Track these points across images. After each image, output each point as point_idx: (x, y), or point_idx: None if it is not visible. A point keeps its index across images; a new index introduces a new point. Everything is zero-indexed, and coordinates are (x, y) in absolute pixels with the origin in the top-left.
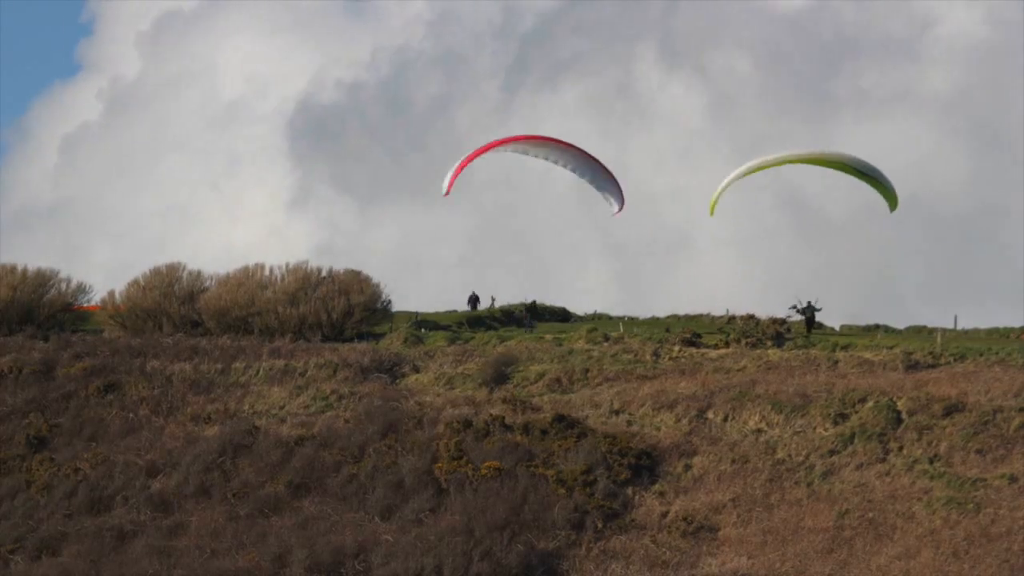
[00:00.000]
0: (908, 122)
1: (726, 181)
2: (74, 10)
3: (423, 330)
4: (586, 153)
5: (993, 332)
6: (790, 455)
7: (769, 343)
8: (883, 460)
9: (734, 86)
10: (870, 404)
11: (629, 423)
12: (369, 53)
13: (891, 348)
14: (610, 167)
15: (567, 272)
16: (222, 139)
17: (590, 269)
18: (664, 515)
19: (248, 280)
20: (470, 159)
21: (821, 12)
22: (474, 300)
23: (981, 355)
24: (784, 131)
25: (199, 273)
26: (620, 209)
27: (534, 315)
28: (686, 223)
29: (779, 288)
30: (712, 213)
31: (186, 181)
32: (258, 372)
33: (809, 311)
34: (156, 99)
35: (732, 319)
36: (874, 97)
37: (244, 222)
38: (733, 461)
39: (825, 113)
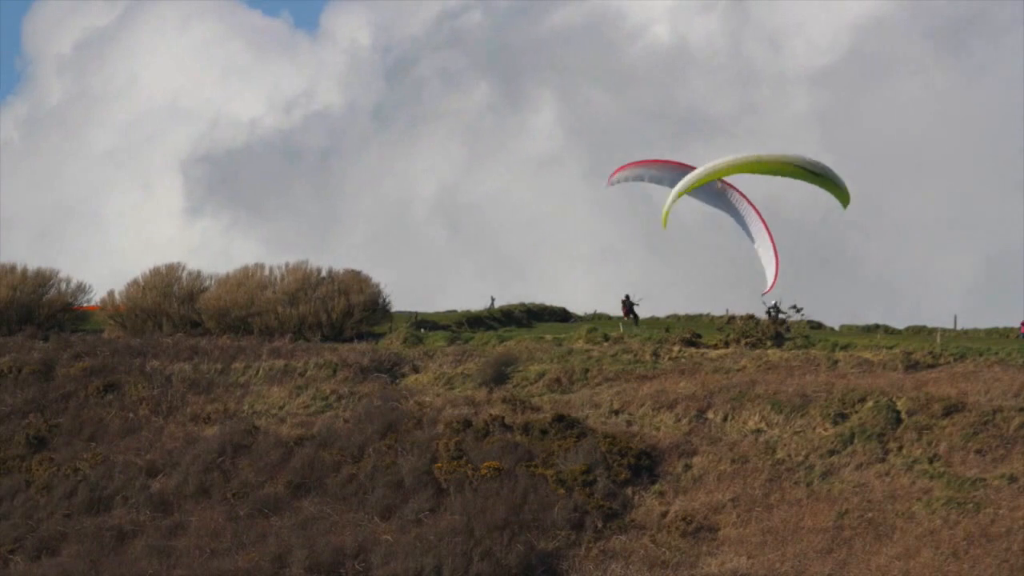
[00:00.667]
0: (760, 142)
1: (675, 192)
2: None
3: (423, 330)
4: (764, 222)
5: (993, 332)
6: (790, 455)
7: (769, 343)
8: (883, 460)
9: (591, 111)
10: (870, 404)
11: (629, 423)
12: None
13: (891, 348)
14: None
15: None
16: (124, 164)
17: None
18: (664, 515)
19: (248, 280)
20: (644, 163)
21: (681, 37)
22: (629, 305)
23: (981, 355)
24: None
25: (199, 273)
26: (771, 287)
27: (630, 309)
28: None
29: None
30: (665, 226)
31: (84, 203)
32: (258, 372)
33: (774, 311)
34: (68, 122)
35: (732, 319)
36: (724, 119)
37: (135, 249)
38: (733, 461)
39: (679, 134)
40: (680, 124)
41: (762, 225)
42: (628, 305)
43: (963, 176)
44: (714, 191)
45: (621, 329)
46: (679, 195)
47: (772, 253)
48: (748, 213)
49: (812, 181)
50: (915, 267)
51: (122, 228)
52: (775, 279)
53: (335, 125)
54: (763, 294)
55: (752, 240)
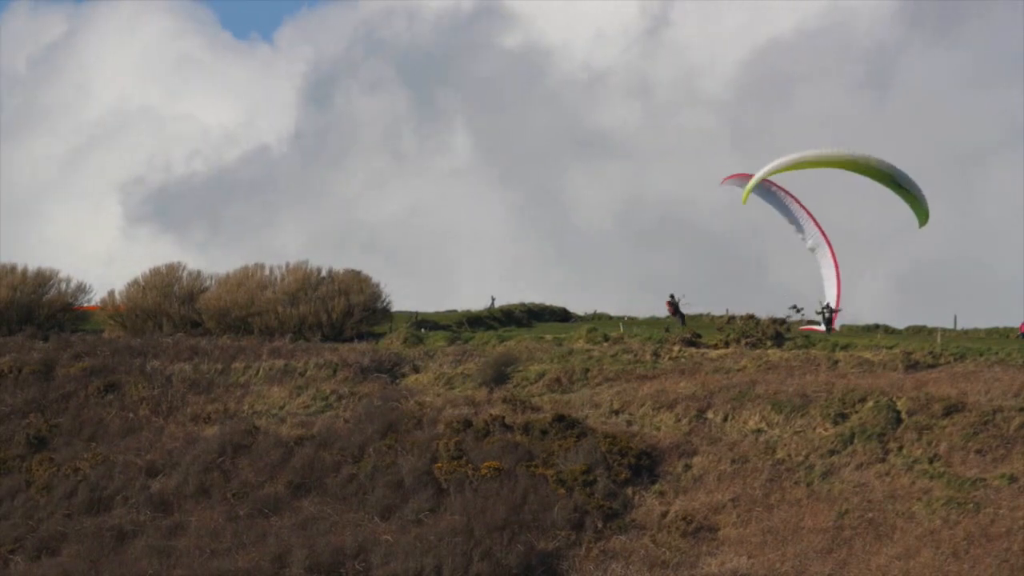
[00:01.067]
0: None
1: (761, 174)
2: None
3: (423, 330)
4: (827, 239)
5: (993, 332)
6: (790, 455)
7: (769, 343)
8: (883, 460)
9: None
10: (870, 404)
11: (629, 423)
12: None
13: (891, 348)
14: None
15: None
16: (67, 180)
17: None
18: (664, 515)
19: (248, 280)
20: (752, 177)
21: (597, 63)
22: (675, 305)
23: (981, 355)
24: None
25: (199, 273)
26: (835, 315)
27: (676, 309)
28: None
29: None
30: (744, 201)
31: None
32: (258, 372)
33: (827, 312)
34: (17, 137)
35: (732, 319)
36: (618, 136)
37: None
38: (733, 461)
39: (579, 151)
40: (588, 143)
41: (824, 241)
42: (674, 305)
43: (871, 193)
44: (769, 192)
45: (621, 329)
46: (765, 176)
47: (834, 270)
48: (808, 225)
49: (897, 192)
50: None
51: (58, 245)
52: (839, 300)
53: (264, 154)
54: (820, 313)
55: (806, 242)
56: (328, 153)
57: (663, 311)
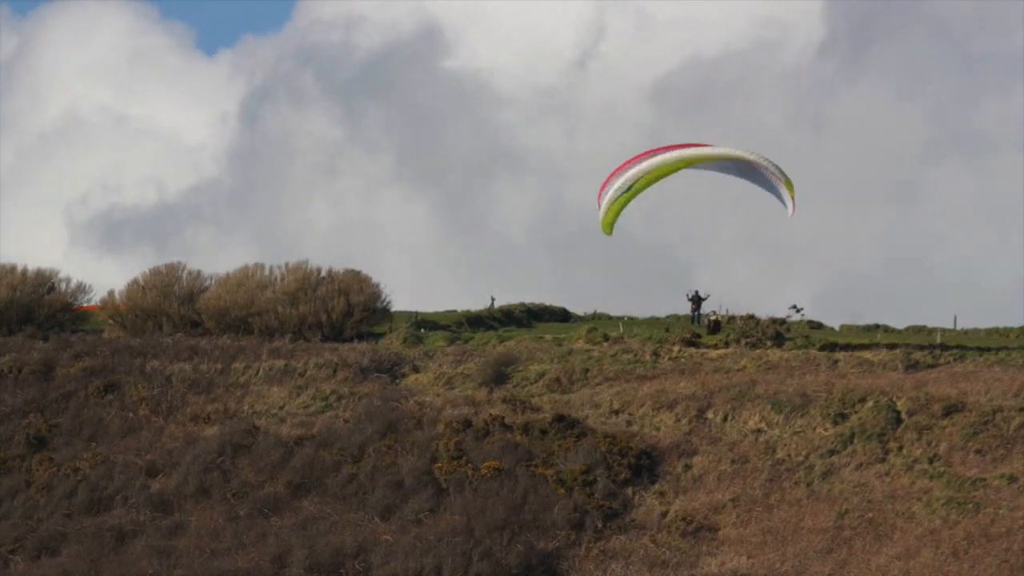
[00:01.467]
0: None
1: (617, 197)
2: None
3: (423, 330)
4: (753, 161)
5: (993, 332)
6: (790, 455)
7: (769, 343)
8: (883, 460)
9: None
10: (870, 404)
11: (629, 423)
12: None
13: (891, 348)
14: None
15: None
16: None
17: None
18: (664, 515)
19: (248, 280)
20: (612, 175)
21: (522, 81)
22: (697, 301)
23: (981, 355)
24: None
25: (199, 273)
26: (792, 211)
27: (698, 305)
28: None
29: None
30: (610, 231)
31: None
32: (258, 372)
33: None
34: None
35: (732, 319)
36: (545, 153)
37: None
38: (733, 461)
39: (510, 167)
40: (519, 160)
41: (757, 166)
42: (696, 301)
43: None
44: (750, 168)
45: (621, 329)
46: (628, 199)
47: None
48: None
49: (753, 181)
50: (750, 282)
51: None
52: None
53: (210, 178)
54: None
55: (764, 185)
56: (270, 173)
57: (661, 311)
